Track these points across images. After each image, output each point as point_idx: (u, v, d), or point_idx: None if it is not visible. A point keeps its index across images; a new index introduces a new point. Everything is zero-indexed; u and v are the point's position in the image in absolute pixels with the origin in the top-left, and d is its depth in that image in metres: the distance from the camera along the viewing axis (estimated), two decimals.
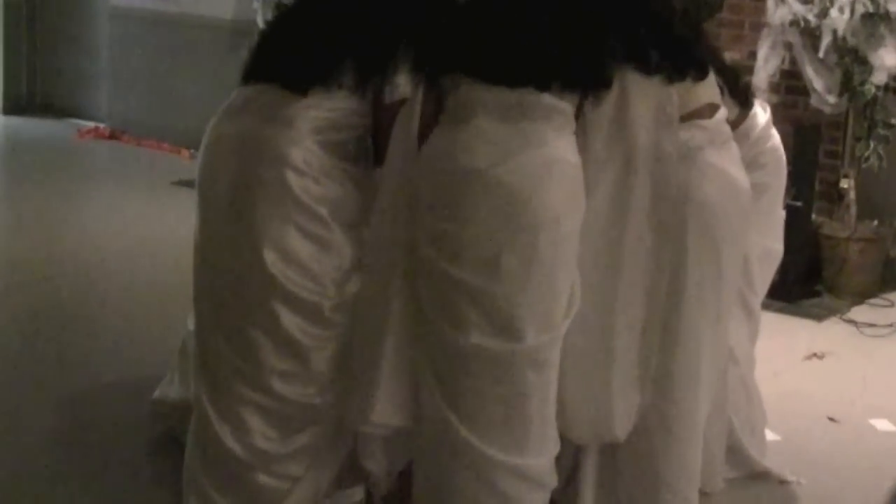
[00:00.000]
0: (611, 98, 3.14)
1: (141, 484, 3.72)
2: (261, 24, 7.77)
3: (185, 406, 3.77)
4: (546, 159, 3.05)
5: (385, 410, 3.13)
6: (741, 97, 3.63)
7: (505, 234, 3.01)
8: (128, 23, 9.53)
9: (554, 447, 3.19)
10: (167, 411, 3.93)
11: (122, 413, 4.15)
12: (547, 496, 3.20)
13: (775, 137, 3.82)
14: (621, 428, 3.25)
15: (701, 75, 3.30)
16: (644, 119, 3.16)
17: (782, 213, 4.00)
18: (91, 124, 9.77)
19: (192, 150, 8.65)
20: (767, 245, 3.83)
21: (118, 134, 9.45)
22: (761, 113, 3.75)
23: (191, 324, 3.67)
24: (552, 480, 3.20)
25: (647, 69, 3.16)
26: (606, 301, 3.19)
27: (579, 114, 3.14)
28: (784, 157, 3.88)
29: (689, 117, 3.24)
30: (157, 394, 3.99)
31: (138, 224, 6.93)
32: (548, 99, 3.06)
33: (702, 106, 3.30)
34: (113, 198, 7.68)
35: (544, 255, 3.02)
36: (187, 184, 7.39)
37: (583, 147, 3.13)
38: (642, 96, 3.16)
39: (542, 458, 3.16)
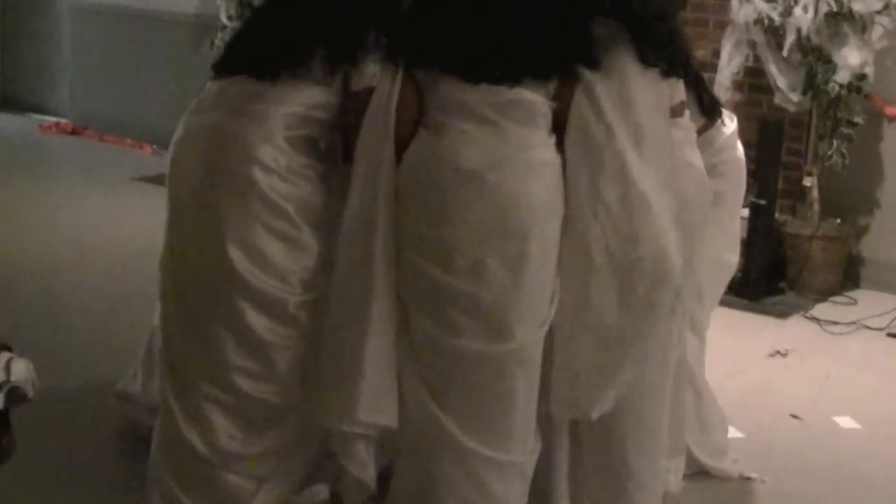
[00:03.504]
0: (615, 82, 3.10)
1: (103, 481, 3.69)
2: (224, 19, 7.74)
3: (147, 402, 3.76)
4: (532, 163, 3.06)
5: (369, 408, 3.11)
6: (709, 109, 3.62)
7: (493, 238, 3.02)
8: (90, 18, 9.47)
9: (536, 444, 3.21)
10: (129, 406, 3.90)
11: (84, 409, 4.12)
12: (527, 490, 3.22)
13: (739, 148, 3.82)
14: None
15: (685, 74, 3.32)
16: (645, 107, 3.13)
17: (738, 226, 4.00)
18: (53, 119, 9.70)
19: (154, 146, 8.60)
20: (721, 256, 3.81)
21: (80, 129, 9.38)
22: (728, 122, 3.75)
23: (156, 320, 3.65)
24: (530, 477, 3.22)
25: (647, 59, 3.15)
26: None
27: (567, 106, 3.10)
28: (744, 170, 3.87)
29: (670, 114, 3.26)
30: (119, 387, 3.97)
31: (101, 220, 6.88)
32: (526, 95, 3.05)
33: (678, 104, 3.33)
34: (75, 193, 7.63)
35: (533, 258, 3.04)
36: (150, 179, 7.37)
37: (603, 130, 3.08)
38: (642, 85, 3.15)
39: (525, 455, 3.18)
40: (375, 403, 3.12)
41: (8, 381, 2.66)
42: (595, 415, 3.20)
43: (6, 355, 2.69)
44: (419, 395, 3.11)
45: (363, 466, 3.21)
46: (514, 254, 3.03)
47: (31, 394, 2.71)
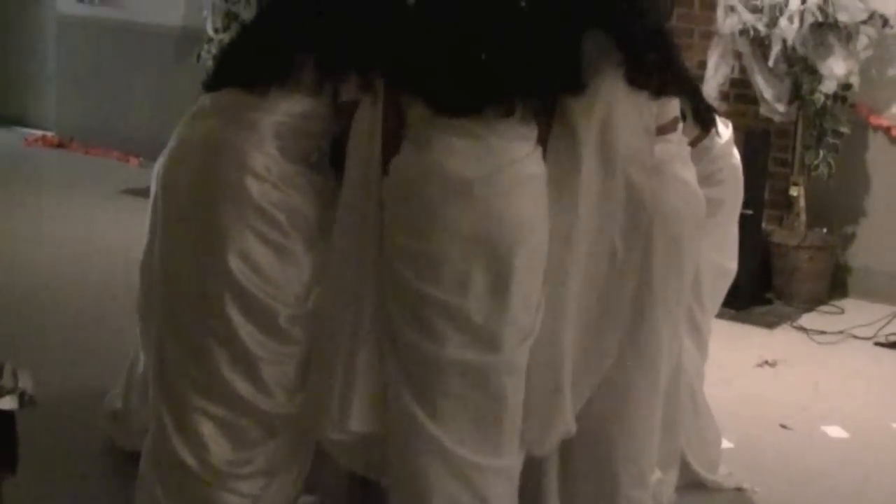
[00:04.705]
0: (599, 107, 3.11)
1: (90, 495, 3.67)
2: (210, 31, 7.73)
3: (130, 421, 3.74)
4: (519, 177, 3.05)
5: (362, 418, 3.13)
6: (703, 120, 3.60)
7: (480, 252, 3.01)
8: (76, 30, 9.45)
9: (522, 447, 3.22)
10: (114, 428, 3.88)
11: (70, 424, 4.10)
12: (516, 489, 3.22)
13: (735, 156, 3.82)
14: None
15: (679, 92, 3.31)
16: (625, 130, 3.14)
17: (736, 232, 4.00)
18: (39, 132, 9.66)
19: (141, 158, 8.58)
20: (721, 263, 3.81)
21: (66, 142, 9.35)
22: (723, 130, 3.75)
23: (138, 336, 3.62)
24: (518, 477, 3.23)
25: (638, 80, 3.14)
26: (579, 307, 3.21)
27: (551, 122, 3.12)
28: (741, 176, 3.87)
29: (660, 131, 3.26)
30: (105, 404, 3.95)
31: (87, 233, 6.86)
32: (513, 120, 3.05)
33: (670, 120, 3.32)
34: (61, 206, 7.60)
35: (519, 271, 3.04)
36: (137, 192, 7.34)
37: (572, 155, 3.11)
38: (627, 106, 3.14)
39: (513, 459, 3.18)
40: (367, 414, 3.13)
41: (17, 386, 2.75)
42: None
43: (9, 365, 2.80)
44: (407, 403, 3.10)
45: (356, 460, 3.26)
46: (501, 267, 3.03)
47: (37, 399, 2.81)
